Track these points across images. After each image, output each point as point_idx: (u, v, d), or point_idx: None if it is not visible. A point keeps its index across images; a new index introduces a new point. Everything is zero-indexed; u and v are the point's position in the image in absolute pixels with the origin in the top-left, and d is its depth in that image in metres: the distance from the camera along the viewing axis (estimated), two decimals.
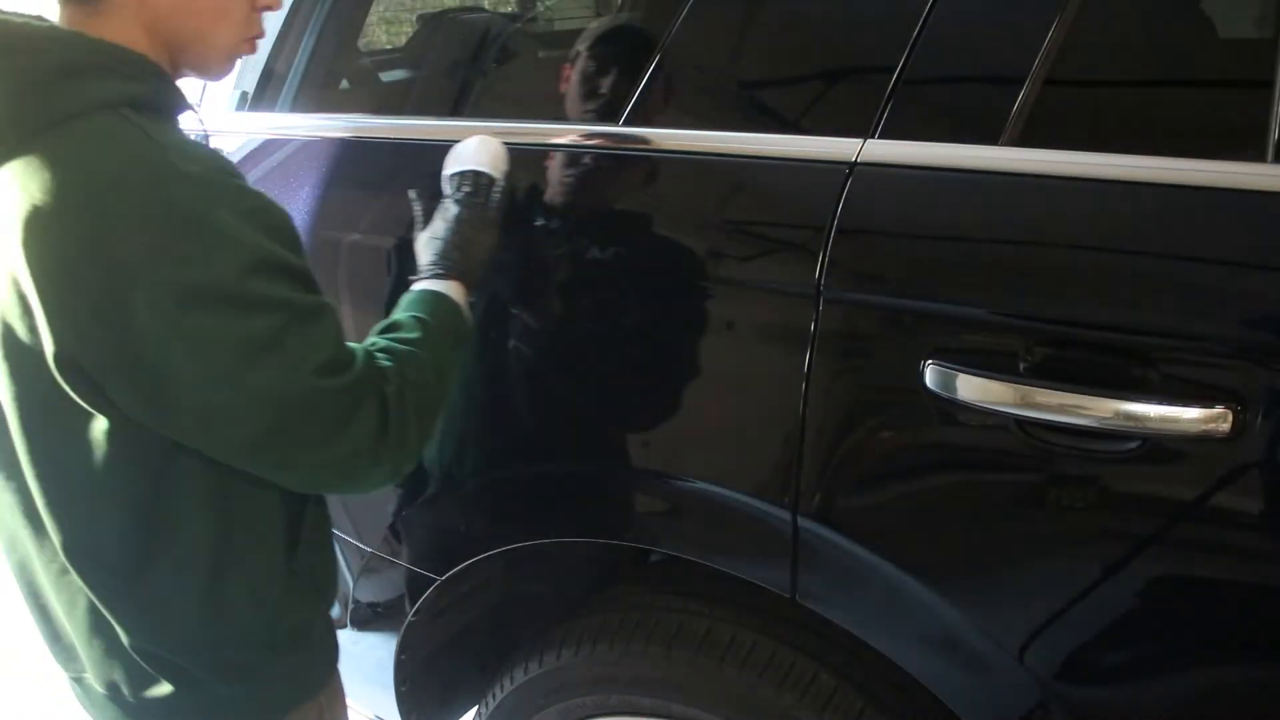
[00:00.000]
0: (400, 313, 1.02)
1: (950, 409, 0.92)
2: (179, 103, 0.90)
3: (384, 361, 0.93)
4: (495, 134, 1.17)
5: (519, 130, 1.23)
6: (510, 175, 1.14)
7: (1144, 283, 0.88)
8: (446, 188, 1.14)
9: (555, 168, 1.19)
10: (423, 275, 1.08)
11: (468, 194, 1.11)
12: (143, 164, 0.79)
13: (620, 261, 1.12)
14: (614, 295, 1.13)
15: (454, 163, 1.15)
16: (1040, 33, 0.91)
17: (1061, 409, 0.87)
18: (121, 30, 0.85)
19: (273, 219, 0.85)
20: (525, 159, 1.18)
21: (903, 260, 0.97)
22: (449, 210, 1.11)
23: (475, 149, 1.14)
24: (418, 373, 0.94)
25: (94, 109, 0.80)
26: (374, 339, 0.98)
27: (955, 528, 0.96)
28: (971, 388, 0.89)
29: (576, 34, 1.29)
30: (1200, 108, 1.02)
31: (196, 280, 0.77)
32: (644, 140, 1.12)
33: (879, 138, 0.97)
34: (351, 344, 0.91)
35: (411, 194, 1.19)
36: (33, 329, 0.79)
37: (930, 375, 0.91)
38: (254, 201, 0.84)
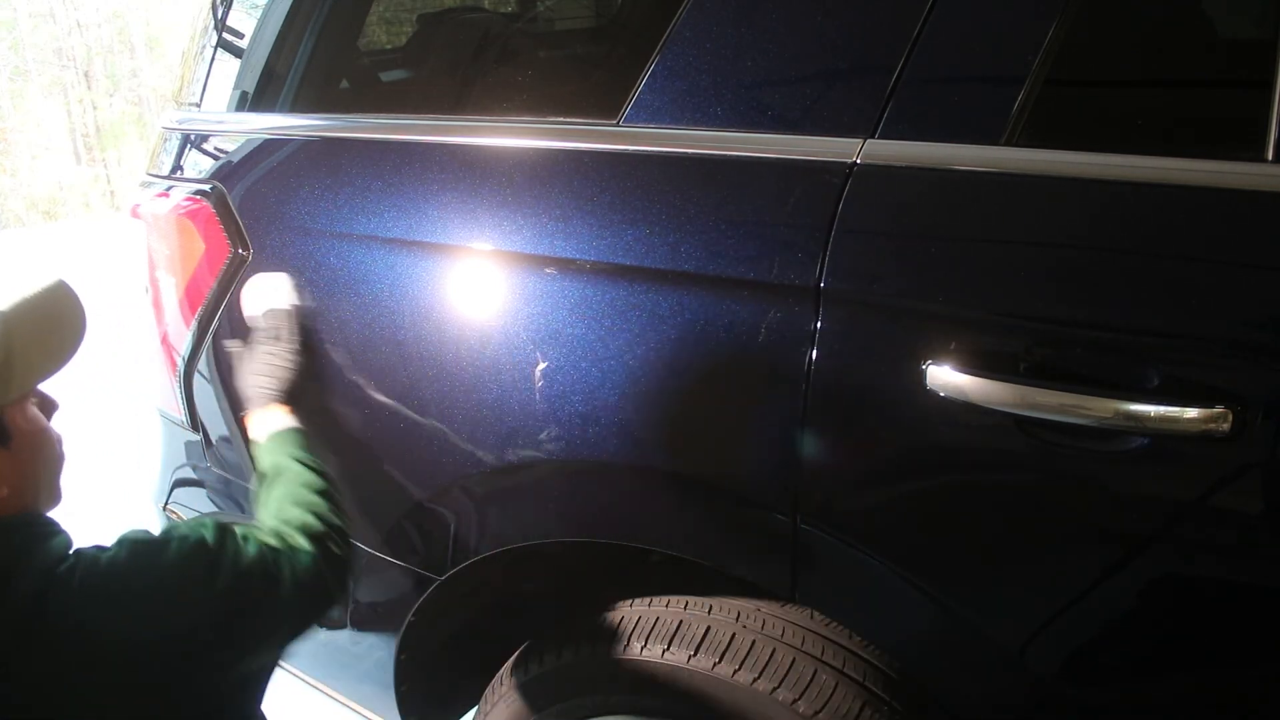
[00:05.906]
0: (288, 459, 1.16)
1: (951, 409, 0.92)
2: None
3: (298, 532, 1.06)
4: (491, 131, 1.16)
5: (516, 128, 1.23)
6: (297, 305, 1.29)
7: (1144, 283, 0.88)
8: (256, 328, 1.29)
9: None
10: (260, 406, 1.24)
11: (273, 329, 1.28)
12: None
13: (618, 265, 1.13)
14: (609, 297, 1.13)
15: (251, 306, 1.32)
16: (1042, 31, 0.91)
17: (1061, 409, 0.87)
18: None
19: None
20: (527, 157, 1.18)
21: (903, 260, 0.97)
22: (263, 347, 1.28)
23: (260, 291, 1.31)
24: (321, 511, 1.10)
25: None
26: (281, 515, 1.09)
27: (956, 528, 0.96)
28: (972, 388, 0.89)
29: (576, 34, 1.29)
30: (1200, 108, 1.02)
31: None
32: (642, 139, 1.11)
33: (879, 137, 0.97)
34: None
35: (228, 344, 1.38)
36: None
37: (931, 375, 0.91)
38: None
